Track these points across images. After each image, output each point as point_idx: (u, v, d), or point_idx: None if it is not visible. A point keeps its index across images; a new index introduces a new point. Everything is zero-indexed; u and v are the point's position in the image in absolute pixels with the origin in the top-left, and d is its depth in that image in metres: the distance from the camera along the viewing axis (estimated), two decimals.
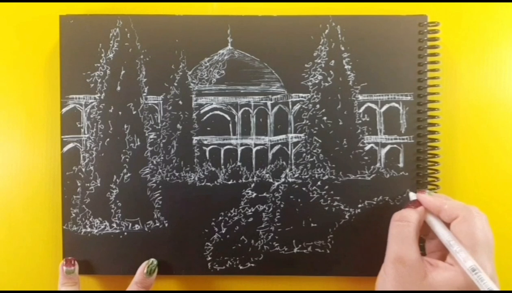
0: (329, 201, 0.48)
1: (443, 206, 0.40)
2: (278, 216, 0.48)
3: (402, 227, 0.40)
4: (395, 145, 0.48)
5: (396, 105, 0.48)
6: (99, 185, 0.48)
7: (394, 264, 0.39)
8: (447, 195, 0.48)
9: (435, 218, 0.41)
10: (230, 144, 0.48)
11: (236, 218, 0.48)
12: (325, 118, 0.48)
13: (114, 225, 0.48)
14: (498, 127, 0.50)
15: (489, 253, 0.38)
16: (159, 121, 0.48)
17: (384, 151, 0.48)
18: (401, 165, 0.48)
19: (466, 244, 0.37)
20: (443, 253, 0.40)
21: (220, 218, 0.48)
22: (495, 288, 0.34)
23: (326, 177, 0.48)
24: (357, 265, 0.48)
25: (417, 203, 0.42)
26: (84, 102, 0.48)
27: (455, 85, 0.50)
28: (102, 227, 0.48)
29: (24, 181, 0.50)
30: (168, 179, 0.48)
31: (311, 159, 0.48)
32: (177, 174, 0.48)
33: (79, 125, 0.48)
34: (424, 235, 0.43)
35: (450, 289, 0.36)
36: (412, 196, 0.44)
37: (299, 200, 0.48)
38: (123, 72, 0.48)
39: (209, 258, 0.48)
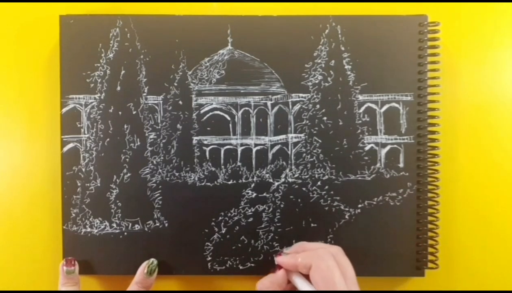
0: (329, 201, 0.48)
1: (297, 261, 0.41)
2: (278, 216, 0.48)
3: None
4: (395, 146, 0.48)
5: (396, 105, 0.48)
6: (99, 185, 0.48)
7: None
8: (447, 195, 0.49)
9: (295, 274, 0.42)
10: (230, 144, 0.48)
11: (236, 218, 0.48)
12: (325, 118, 0.48)
13: (114, 225, 0.48)
14: (498, 127, 0.50)
15: (350, 287, 0.39)
16: (159, 121, 0.48)
17: (384, 151, 0.48)
18: (401, 165, 0.48)
19: (324, 288, 0.38)
20: None
21: (220, 218, 0.48)
22: None
23: (326, 177, 0.48)
24: (356, 265, 0.48)
25: (278, 266, 0.43)
26: (84, 102, 0.48)
27: (455, 85, 0.50)
28: (102, 227, 0.48)
29: (24, 181, 0.50)
30: (168, 179, 0.48)
31: (311, 159, 0.48)
32: (177, 174, 0.48)
33: (79, 125, 0.48)
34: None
35: None
36: (276, 260, 0.44)
37: (299, 200, 0.48)
38: (123, 72, 0.48)
39: (209, 258, 0.48)
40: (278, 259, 0.43)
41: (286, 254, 0.43)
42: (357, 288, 0.39)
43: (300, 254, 0.41)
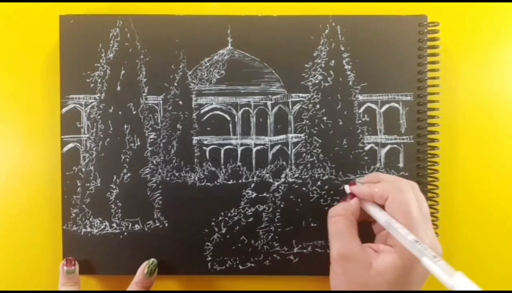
0: (329, 201, 0.48)
1: (373, 190, 0.40)
2: (278, 216, 0.48)
3: (337, 223, 0.40)
4: (395, 145, 0.48)
5: (396, 105, 0.48)
6: (99, 185, 0.48)
7: (338, 262, 0.39)
8: (447, 195, 0.49)
9: (370, 204, 0.40)
10: (230, 144, 0.48)
11: (236, 218, 0.48)
12: (325, 118, 0.48)
13: (114, 225, 0.48)
14: (498, 127, 0.50)
15: (426, 223, 0.38)
16: (159, 121, 0.48)
17: (384, 151, 0.48)
18: (401, 165, 0.48)
19: (402, 221, 0.37)
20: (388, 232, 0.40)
21: (220, 218, 0.48)
22: (436, 255, 0.34)
23: (326, 177, 0.48)
24: None
25: (351, 196, 0.41)
26: (84, 102, 0.48)
27: (455, 85, 0.50)
28: (102, 227, 0.48)
29: (24, 181, 0.50)
30: (168, 179, 0.48)
31: (311, 159, 0.48)
32: (177, 174, 0.48)
33: (79, 125, 0.48)
34: (368, 219, 0.43)
35: (397, 270, 0.36)
36: (346, 189, 0.43)
37: (299, 200, 0.48)
38: (123, 72, 0.48)
39: (209, 258, 0.48)
40: (353, 188, 0.41)
41: (360, 184, 0.42)
42: (431, 226, 0.38)
43: (377, 184, 0.40)
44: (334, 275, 0.40)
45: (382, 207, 0.40)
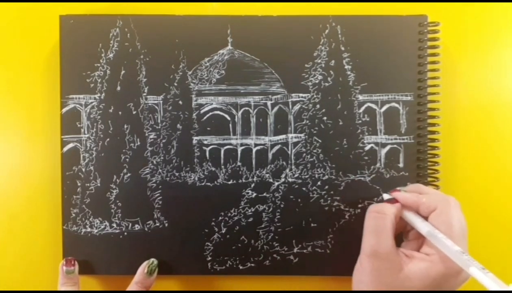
0: (329, 201, 0.48)
1: (421, 200, 0.40)
2: (278, 216, 0.48)
3: (378, 219, 0.40)
4: (395, 146, 0.48)
5: (396, 105, 0.48)
6: (99, 185, 0.48)
7: (370, 257, 0.38)
8: (447, 195, 0.48)
9: (413, 215, 0.40)
10: (230, 144, 0.48)
11: (236, 218, 0.48)
12: (325, 118, 0.48)
13: (114, 225, 0.48)
14: (498, 127, 0.50)
15: (465, 241, 0.38)
16: (159, 121, 0.48)
17: (384, 151, 0.48)
18: (401, 165, 0.48)
19: (445, 234, 0.37)
20: (419, 241, 0.40)
21: (220, 218, 0.48)
22: (484, 267, 0.34)
23: (326, 177, 0.48)
24: None
25: (393, 200, 0.41)
26: (84, 102, 0.48)
27: (455, 85, 0.50)
28: (102, 227, 0.48)
29: (24, 181, 0.50)
30: (168, 179, 0.48)
31: (311, 159, 0.48)
32: (177, 174, 0.48)
33: (79, 125, 0.48)
34: (401, 231, 0.43)
35: (427, 279, 0.36)
36: (386, 196, 0.43)
37: (299, 200, 0.48)
38: (123, 72, 0.48)
39: (209, 258, 0.48)
40: (398, 195, 0.41)
41: (404, 192, 0.42)
42: (467, 246, 0.38)
43: (425, 195, 0.40)
44: (361, 269, 0.39)
45: (424, 218, 0.39)
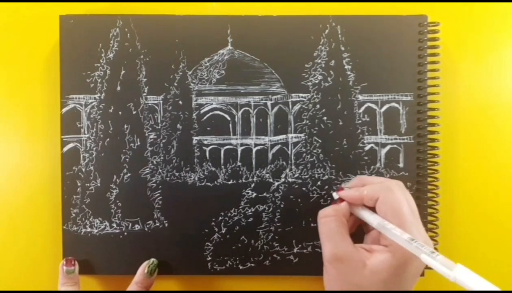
0: (329, 201, 0.48)
1: (362, 193, 0.40)
2: (278, 216, 0.48)
3: (328, 223, 0.40)
4: (395, 146, 0.48)
5: (396, 105, 0.48)
6: (99, 185, 0.48)
7: (331, 263, 0.38)
8: (447, 195, 0.49)
9: (360, 208, 0.41)
10: (230, 144, 0.48)
11: (236, 218, 0.48)
12: (325, 118, 0.48)
13: (114, 225, 0.48)
14: (498, 127, 0.50)
15: (416, 220, 0.38)
16: (159, 121, 0.48)
17: (384, 151, 0.48)
18: (401, 165, 0.48)
19: (394, 221, 0.37)
20: (378, 231, 0.40)
21: (220, 218, 0.48)
22: (434, 251, 0.34)
23: (326, 177, 0.48)
24: None
25: (340, 200, 0.41)
26: (84, 102, 0.48)
27: (455, 85, 0.50)
28: (102, 227, 0.48)
29: (24, 181, 0.50)
30: (168, 179, 0.48)
31: (311, 159, 0.48)
32: (177, 174, 0.48)
33: (79, 125, 0.48)
34: (360, 225, 0.43)
35: (391, 268, 0.37)
36: (334, 195, 0.43)
37: (299, 200, 0.48)
38: (123, 72, 0.48)
39: (209, 258, 0.48)
40: (341, 193, 0.41)
41: (348, 189, 0.42)
42: (421, 222, 0.38)
43: (365, 187, 0.40)
44: (327, 276, 0.39)
45: (372, 209, 0.40)
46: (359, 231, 0.43)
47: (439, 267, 0.33)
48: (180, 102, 0.48)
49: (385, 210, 0.38)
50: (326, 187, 0.48)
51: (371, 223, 0.39)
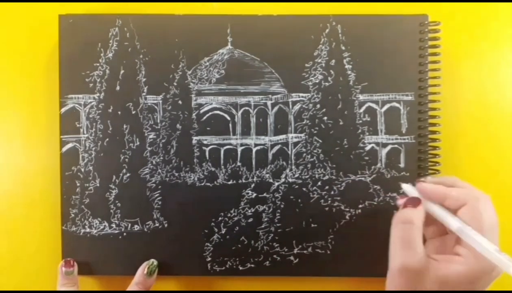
0: (329, 201, 0.48)
1: (450, 193, 0.38)
2: (278, 216, 0.48)
3: (406, 230, 0.37)
4: (396, 146, 0.48)
5: (397, 105, 0.48)
6: (98, 185, 0.48)
7: (402, 272, 0.36)
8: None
9: (442, 210, 0.38)
10: (230, 144, 0.48)
11: (236, 218, 0.48)
12: (325, 118, 0.48)
13: (114, 225, 0.48)
14: (498, 127, 0.50)
15: (496, 237, 0.37)
16: (158, 121, 0.48)
17: (385, 151, 0.48)
18: (402, 165, 0.48)
19: (475, 229, 0.36)
20: (443, 239, 0.39)
21: (220, 218, 0.48)
22: None
23: (327, 177, 0.48)
24: (357, 265, 0.48)
25: (416, 201, 0.39)
26: (83, 102, 0.48)
27: (456, 85, 0.50)
28: (102, 227, 0.48)
29: (23, 181, 0.50)
30: (167, 179, 0.48)
31: (312, 159, 0.48)
32: (176, 174, 0.48)
33: (78, 125, 0.48)
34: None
35: (463, 280, 0.35)
36: (407, 188, 0.41)
37: (299, 200, 0.48)
38: (122, 72, 0.48)
39: (209, 259, 0.48)
40: (423, 185, 0.39)
41: (433, 183, 0.39)
42: (498, 242, 0.37)
43: (454, 188, 0.38)
44: (393, 285, 0.37)
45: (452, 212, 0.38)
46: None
47: None
48: (180, 102, 0.48)
49: (469, 217, 0.36)
50: (327, 187, 0.48)
51: (450, 225, 0.37)
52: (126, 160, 0.48)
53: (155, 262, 0.47)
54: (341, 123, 0.48)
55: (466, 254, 0.36)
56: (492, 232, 0.36)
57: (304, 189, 0.48)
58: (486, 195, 0.38)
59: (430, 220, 0.39)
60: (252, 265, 0.48)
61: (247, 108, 0.48)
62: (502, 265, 0.33)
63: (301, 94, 0.48)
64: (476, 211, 0.37)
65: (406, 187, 0.41)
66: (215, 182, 0.48)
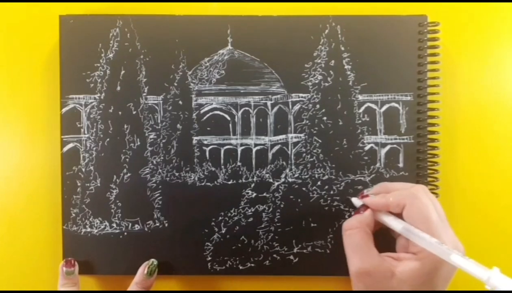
0: (329, 201, 0.48)
1: (388, 200, 0.39)
2: (278, 216, 0.48)
3: (353, 236, 0.39)
4: (395, 145, 0.48)
5: (396, 105, 0.48)
6: (99, 185, 0.48)
7: (359, 276, 0.38)
8: (447, 195, 0.49)
9: (384, 214, 0.40)
10: (230, 144, 0.48)
11: (236, 218, 0.48)
12: (325, 118, 0.48)
13: (114, 225, 0.48)
14: (498, 127, 0.50)
15: (445, 225, 0.38)
16: (159, 121, 0.48)
17: (384, 151, 0.48)
18: (401, 165, 0.48)
19: (422, 227, 0.37)
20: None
21: (220, 218, 0.48)
22: (462, 255, 0.34)
23: (326, 177, 0.48)
24: None
25: (363, 208, 0.41)
26: (84, 102, 0.48)
27: (455, 85, 0.50)
28: (102, 227, 0.48)
29: (24, 181, 0.50)
30: (168, 179, 0.48)
31: (311, 159, 0.48)
32: (177, 174, 0.48)
33: (79, 125, 0.48)
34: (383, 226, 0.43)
35: (420, 277, 0.36)
36: (355, 201, 0.44)
37: (299, 200, 0.48)
38: (123, 72, 0.48)
39: (209, 258, 0.48)
40: (366, 200, 0.41)
41: (372, 195, 0.41)
42: (449, 225, 0.38)
43: (391, 194, 0.40)
44: (356, 289, 0.39)
45: (397, 215, 0.39)
46: (386, 239, 0.42)
47: (473, 267, 0.33)
48: (180, 102, 0.48)
49: (412, 216, 0.38)
50: (326, 186, 0.48)
51: (395, 228, 0.39)
52: (127, 159, 0.48)
53: (155, 262, 0.47)
54: (340, 123, 0.48)
55: (419, 251, 0.37)
56: (439, 222, 0.37)
57: (303, 188, 0.48)
58: (423, 187, 0.40)
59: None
60: (252, 265, 0.48)
61: (247, 108, 0.49)
62: (443, 255, 0.34)
63: (300, 95, 0.48)
64: (417, 208, 0.38)
65: (355, 200, 0.44)
66: (215, 182, 0.48)
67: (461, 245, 0.38)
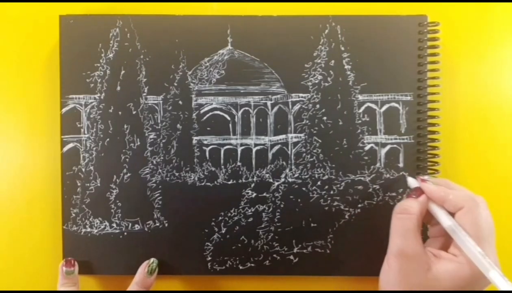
0: (329, 201, 0.48)
1: (447, 196, 0.39)
2: (278, 216, 0.48)
3: (404, 220, 0.39)
4: (395, 145, 0.48)
5: (396, 105, 0.48)
6: (99, 185, 0.48)
7: (397, 257, 0.38)
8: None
9: (438, 207, 0.40)
10: (230, 144, 0.48)
11: (236, 218, 0.48)
12: (325, 118, 0.48)
13: (114, 225, 0.48)
14: (497, 127, 0.50)
15: (492, 241, 0.38)
16: (159, 121, 0.48)
17: (384, 150, 0.48)
18: (401, 164, 0.48)
19: (471, 234, 0.37)
20: (446, 239, 0.40)
21: (220, 218, 0.48)
22: (501, 274, 0.34)
23: (326, 177, 0.48)
24: (357, 265, 0.48)
25: (419, 192, 0.40)
26: (84, 102, 0.48)
27: (455, 85, 0.50)
28: (102, 227, 0.48)
29: (24, 181, 0.50)
30: (168, 179, 0.48)
31: (311, 159, 0.48)
32: (177, 174, 0.48)
33: (79, 125, 0.48)
34: (427, 221, 0.43)
35: (455, 281, 0.36)
36: (412, 182, 0.43)
37: (299, 200, 0.48)
38: (123, 72, 0.48)
39: (209, 258, 0.48)
40: (425, 186, 0.40)
41: (430, 183, 0.40)
42: (495, 246, 0.38)
43: (452, 191, 0.39)
44: (388, 270, 0.39)
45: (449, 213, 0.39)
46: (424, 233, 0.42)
47: (510, 288, 0.32)
48: (180, 102, 0.48)
49: (465, 221, 0.37)
50: (326, 186, 0.48)
51: (443, 223, 0.38)
52: (127, 159, 0.48)
53: (156, 261, 0.47)
54: (340, 123, 0.48)
55: (460, 255, 0.37)
56: (487, 237, 0.37)
57: (303, 188, 0.48)
58: (482, 199, 0.39)
59: (436, 220, 0.41)
60: (252, 264, 0.48)
61: (247, 108, 0.49)
62: (483, 269, 0.34)
63: (300, 95, 0.48)
64: (472, 214, 0.37)
65: (411, 180, 0.43)
66: (215, 182, 0.48)
67: (499, 265, 0.37)
